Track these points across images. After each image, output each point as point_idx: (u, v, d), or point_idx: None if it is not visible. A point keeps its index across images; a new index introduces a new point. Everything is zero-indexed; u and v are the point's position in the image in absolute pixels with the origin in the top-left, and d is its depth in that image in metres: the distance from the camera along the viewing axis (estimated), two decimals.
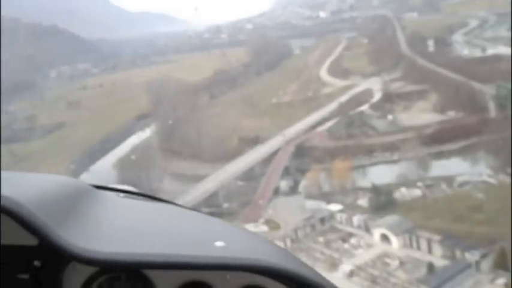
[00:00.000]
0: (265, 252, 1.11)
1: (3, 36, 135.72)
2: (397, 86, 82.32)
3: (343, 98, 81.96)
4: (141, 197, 1.39)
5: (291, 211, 48.95)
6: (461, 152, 60.03)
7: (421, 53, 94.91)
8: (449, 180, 53.22)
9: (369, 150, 62.59)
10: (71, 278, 1.05)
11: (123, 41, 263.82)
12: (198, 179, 62.50)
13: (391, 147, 62.58)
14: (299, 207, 50.32)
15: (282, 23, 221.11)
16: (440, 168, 56.07)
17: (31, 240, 0.94)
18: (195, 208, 1.36)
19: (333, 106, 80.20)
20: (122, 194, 1.38)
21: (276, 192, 56.03)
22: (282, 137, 68.62)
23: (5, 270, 0.99)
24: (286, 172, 60.77)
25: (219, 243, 1.05)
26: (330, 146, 65.10)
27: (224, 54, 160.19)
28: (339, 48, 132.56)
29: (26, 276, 1.00)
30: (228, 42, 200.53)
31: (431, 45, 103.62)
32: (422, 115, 69.48)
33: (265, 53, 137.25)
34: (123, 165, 72.11)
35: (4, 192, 0.92)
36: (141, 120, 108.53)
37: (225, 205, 53.93)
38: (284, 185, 57.23)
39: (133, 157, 70.24)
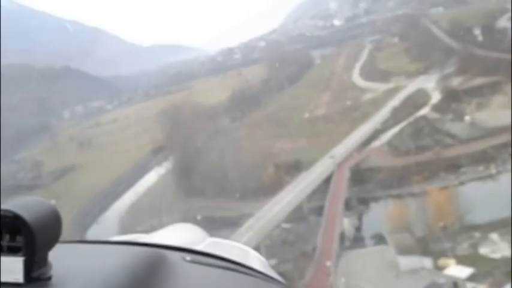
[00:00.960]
0: None
1: (14, 84, 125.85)
2: (458, 82, 64.62)
3: (393, 103, 64.50)
4: (207, 259, 1.23)
5: (381, 278, 30.44)
6: None
7: (471, 43, 77.13)
8: None
9: (454, 165, 44.94)
10: None
11: (136, 75, 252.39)
12: (228, 222, 45.60)
13: (484, 158, 44.85)
14: (391, 269, 31.72)
15: (296, 36, 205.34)
16: None
17: None
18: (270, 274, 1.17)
19: (383, 114, 62.94)
20: (188, 257, 1.23)
21: (342, 239, 38.24)
22: (330, 159, 51.41)
23: None
24: (346, 206, 43.28)
25: None
26: (397, 165, 47.73)
27: (240, 73, 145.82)
28: (366, 51, 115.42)
29: None
30: (242, 62, 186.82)
31: (478, 33, 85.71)
32: (505, 112, 51.62)
33: (284, 66, 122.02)
34: (136, 211, 55.99)
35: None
36: (156, 154, 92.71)
37: (271, 262, 36.31)
38: (348, 225, 39.51)
39: (144, 201, 54.10)
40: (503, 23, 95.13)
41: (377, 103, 68.11)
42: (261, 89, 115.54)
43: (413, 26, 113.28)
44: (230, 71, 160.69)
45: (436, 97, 63.48)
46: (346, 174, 48.62)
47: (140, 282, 1.00)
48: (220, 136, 77.71)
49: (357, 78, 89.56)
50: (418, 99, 63.37)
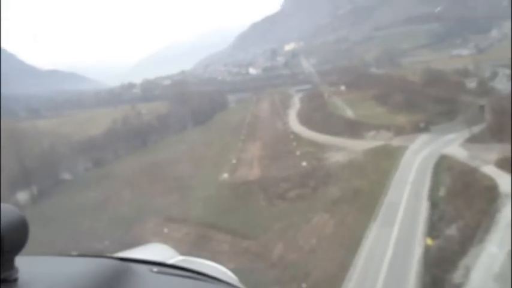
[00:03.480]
0: None
1: None
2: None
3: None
4: (174, 271, 1.18)
5: None
6: None
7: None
8: None
9: None
10: None
11: (19, 96, 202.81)
12: None
13: None
14: None
15: (206, 79, 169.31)
16: None
17: None
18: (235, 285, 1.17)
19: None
20: (155, 269, 1.18)
21: None
22: None
23: None
24: None
25: None
26: None
27: (134, 107, 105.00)
28: (296, 98, 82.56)
29: None
30: (141, 97, 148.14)
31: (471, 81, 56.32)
32: None
33: (189, 105, 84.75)
34: None
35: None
36: None
37: None
38: None
39: None
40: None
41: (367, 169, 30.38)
42: (154, 126, 75.31)
43: (357, 77, 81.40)
44: (125, 105, 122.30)
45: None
46: None
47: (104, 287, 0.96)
48: (66, 187, 36.24)
49: (300, 128, 53.27)
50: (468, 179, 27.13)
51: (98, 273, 1.00)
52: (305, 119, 58.89)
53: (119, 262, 1.11)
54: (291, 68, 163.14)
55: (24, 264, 0.88)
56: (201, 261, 1.38)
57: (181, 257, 1.36)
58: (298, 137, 49.23)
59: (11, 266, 0.85)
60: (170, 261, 1.25)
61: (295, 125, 58.22)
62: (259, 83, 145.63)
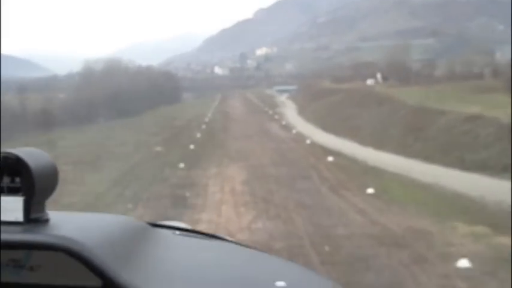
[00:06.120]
0: None
1: None
2: None
3: None
4: (196, 235, 1.23)
5: None
6: None
7: None
8: None
9: None
10: None
11: None
12: None
13: None
14: None
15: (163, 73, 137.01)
16: None
17: (95, 281, 0.84)
18: (253, 246, 1.22)
19: None
20: (177, 232, 1.22)
21: None
22: None
23: None
24: None
25: (279, 283, 0.90)
26: None
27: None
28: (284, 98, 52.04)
29: None
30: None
31: None
32: None
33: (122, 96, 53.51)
34: None
35: (67, 233, 0.84)
36: None
37: None
38: None
39: None
40: None
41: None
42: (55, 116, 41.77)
43: None
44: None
45: None
46: None
47: (134, 237, 0.99)
48: None
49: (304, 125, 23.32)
50: None
51: (128, 227, 1.03)
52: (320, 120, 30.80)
53: (146, 225, 1.13)
54: (264, 71, 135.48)
55: (54, 215, 0.91)
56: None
57: (169, 222, 1.32)
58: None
59: (42, 208, 0.87)
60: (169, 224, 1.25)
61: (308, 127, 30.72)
62: (226, 83, 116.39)
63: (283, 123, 35.85)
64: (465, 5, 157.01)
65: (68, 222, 0.93)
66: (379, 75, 47.89)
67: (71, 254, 0.81)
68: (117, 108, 48.23)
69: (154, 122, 37.25)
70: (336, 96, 39.85)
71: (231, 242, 1.23)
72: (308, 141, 25.67)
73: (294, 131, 31.29)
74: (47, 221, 0.88)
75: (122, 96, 49.91)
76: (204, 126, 34.40)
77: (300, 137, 27.98)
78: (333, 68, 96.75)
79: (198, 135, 29.08)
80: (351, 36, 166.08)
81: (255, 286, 0.92)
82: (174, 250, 1.07)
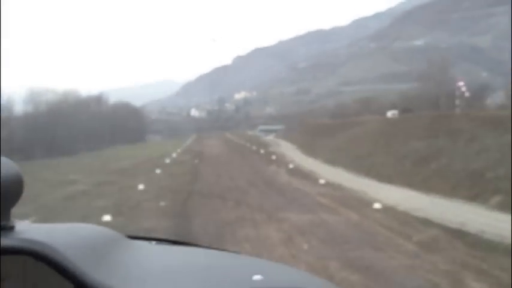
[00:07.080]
0: (306, 283, 0.97)
1: None
2: None
3: None
4: (174, 244, 1.23)
5: None
6: None
7: None
8: None
9: None
10: None
11: None
12: None
13: None
14: None
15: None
16: None
17: (66, 286, 0.81)
18: (231, 250, 1.23)
19: None
20: (154, 242, 1.21)
21: None
22: None
23: None
24: None
25: (256, 277, 0.90)
26: None
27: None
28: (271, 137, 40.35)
29: None
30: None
31: None
32: None
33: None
34: None
35: (39, 238, 0.82)
36: None
37: None
38: None
39: None
40: None
41: None
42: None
43: None
44: None
45: None
46: None
47: (106, 243, 0.96)
48: None
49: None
50: None
51: (103, 236, 1.00)
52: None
53: (122, 236, 1.10)
54: (243, 113, 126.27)
55: (20, 224, 0.89)
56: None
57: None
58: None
59: (7, 217, 0.86)
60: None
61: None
62: (203, 125, 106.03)
63: (291, 166, 24.09)
64: (446, 50, 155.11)
65: (35, 228, 0.91)
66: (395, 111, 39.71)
67: (40, 258, 0.79)
68: (58, 145, 37.10)
69: (89, 163, 26.17)
70: (358, 128, 29.62)
71: (206, 247, 1.20)
72: (377, 206, 12.89)
73: (321, 181, 18.59)
74: (12, 228, 0.86)
75: (63, 133, 38.68)
76: (158, 171, 22.78)
77: (351, 198, 14.63)
78: (318, 109, 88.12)
79: (140, 186, 17.30)
80: (332, 80, 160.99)
81: (233, 282, 0.91)
82: (148, 256, 1.04)
